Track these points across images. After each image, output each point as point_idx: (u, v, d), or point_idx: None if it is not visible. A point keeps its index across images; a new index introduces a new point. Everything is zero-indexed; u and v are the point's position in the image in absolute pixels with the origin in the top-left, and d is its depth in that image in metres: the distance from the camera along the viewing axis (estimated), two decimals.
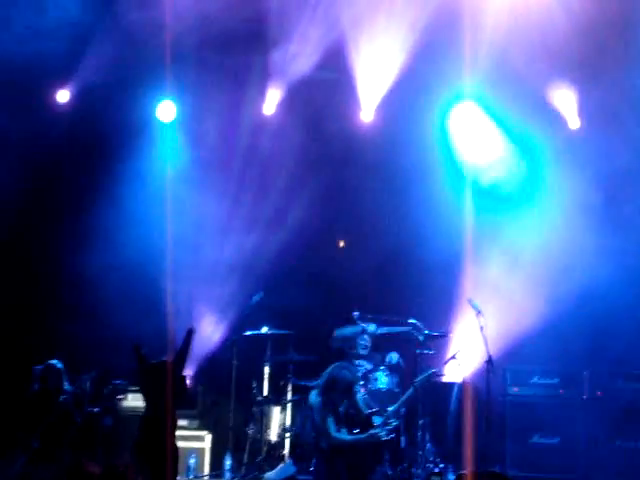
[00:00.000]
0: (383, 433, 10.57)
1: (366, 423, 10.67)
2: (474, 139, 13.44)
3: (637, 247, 12.91)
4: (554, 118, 13.36)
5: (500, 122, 13.31)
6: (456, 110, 13.35)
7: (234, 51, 12.65)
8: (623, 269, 12.87)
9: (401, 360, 12.25)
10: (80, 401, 11.04)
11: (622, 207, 12.81)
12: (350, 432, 10.55)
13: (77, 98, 13.20)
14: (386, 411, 10.80)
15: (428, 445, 11.83)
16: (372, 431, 10.54)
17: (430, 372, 11.16)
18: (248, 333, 12.27)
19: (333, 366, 10.87)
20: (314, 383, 11.49)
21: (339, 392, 10.58)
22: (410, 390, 10.97)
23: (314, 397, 10.75)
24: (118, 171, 13.01)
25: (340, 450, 10.46)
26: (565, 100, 13.25)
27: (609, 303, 12.84)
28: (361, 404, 10.87)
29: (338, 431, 10.52)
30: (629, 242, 12.80)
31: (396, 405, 10.87)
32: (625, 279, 12.96)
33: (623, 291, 12.98)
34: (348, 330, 12.38)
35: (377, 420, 10.68)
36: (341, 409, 10.59)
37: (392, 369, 12.16)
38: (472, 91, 13.02)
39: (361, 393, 11.17)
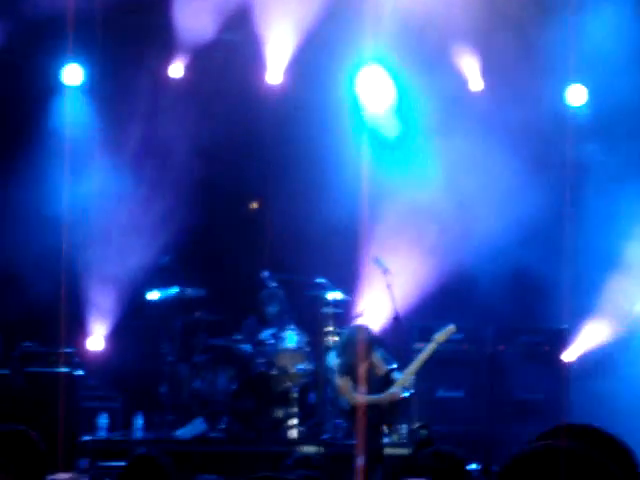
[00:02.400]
0: (399, 390, 10.49)
1: (386, 379, 10.62)
2: (380, 101, 13.64)
3: (540, 203, 13.19)
4: (456, 79, 13.63)
5: (402, 84, 13.51)
6: (363, 73, 13.51)
7: (139, 11, 12.61)
8: (528, 225, 13.17)
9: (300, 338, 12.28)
10: None
11: (520, 164, 13.10)
12: (369, 391, 10.54)
13: None
14: (405, 367, 10.68)
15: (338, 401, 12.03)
16: (391, 390, 10.48)
17: (450, 326, 10.79)
18: (158, 294, 12.35)
19: (349, 327, 10.97)
20: (242, 345, 11.69)
21: (356, 354, 10.53)
22: (430, 345, 10.68)
23: (332, 359, 10.84)
24: (24, 136, 12.91)
25: (360, 408, 10.43)
26: (467, 62, 13.51)
27: (515, 258, 13.16)
28: (381, 361, 10.77)
29: (356, 391, 10.53)
30: (530, 198, 13.09)
31: (416, 361, 10.63)
32: (530, 237, 13.28)
33: (528, 248, 13.30)
34: (260, 294, 12.49)
35: (397, 375, 10.58)
36: (360, 369, 10.56)
37: (300, 328, 12.31)
38: (377, 54, 13.18)
39: (380, 351, 10.95)
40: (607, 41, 12.81)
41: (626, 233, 13.25)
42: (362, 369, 10.59)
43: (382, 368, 10.70)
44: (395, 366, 10.74)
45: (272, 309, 12.44)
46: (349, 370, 10.56)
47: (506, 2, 12.57)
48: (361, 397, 10.49)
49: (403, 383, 10.55)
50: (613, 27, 12.82)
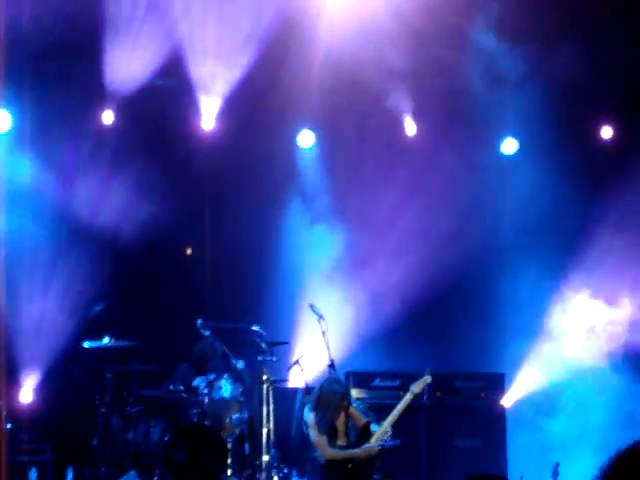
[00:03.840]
0: (375, 445, 10.50)
1: (364, 431, 10.62)
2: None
3: (474, 249, 13.29)
4: (391, 123, 13.69)
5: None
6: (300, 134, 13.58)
7: (71, 60, 12.48)
8: (462, 272, 13.23)
9: (245, 369, 12.19)
10: None
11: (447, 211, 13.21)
12: (348, 443, 10.57)
13: None
14: (381, 421, 10.70)
15: (272, 451, 11.90)
16: (366, 445, 10.48)
17: (425, 377, 10.88)
18: (89, 344, 12.12)
19: (322, 381, 10.86)
20: (175, 395, 11.52)
21: (332, 408, 10.54)
22: (407, 395, 10.77)
23: (307, 413, 10.71)
24: None
25: (336, 463, 10.48)
26: (401, 106, 13.57)
27: (449, 303, 13.22)
28: (360, 413, 10.77)
29: (333, 446, 10.51)
30: (464, 244, 13.16)
31: (394, 412, 10.67)
32: (465, 282, 13.34)
33: (463, 293, 13.37)
34: (195, 350, 12.33)
35: (375, 427, 10.58)
36: (336, 423, 10.58)
37: (236, 378, 12.16)
38: (309, 101, 13.18)
39: (357, 403, 11.02)
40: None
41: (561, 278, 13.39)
42: (339, 422, 10.58)
43: (361, 420, 10.69)
44: (370, 419, 10.73)
45: (212, 366, 12.28)
46: (324, 424, 10.52)
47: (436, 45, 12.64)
48: (337, 452, 10.47)
49: (381, 436, 10.55)
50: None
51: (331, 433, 10.57)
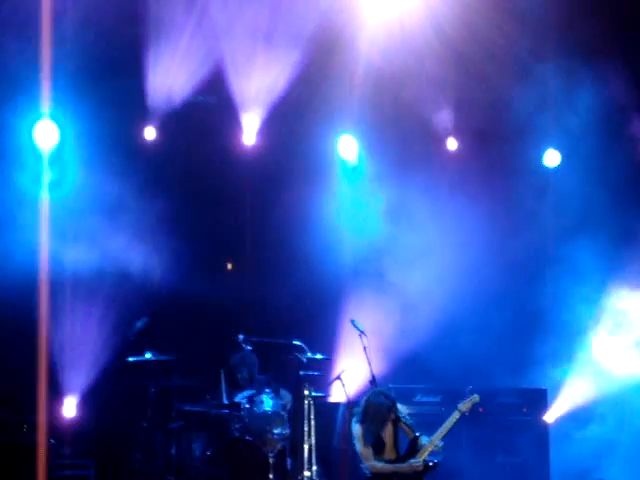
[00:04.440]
0: (420, 461, 10.47)
1: (413, 445, 10.59)
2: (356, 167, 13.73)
3: (517, 266, 13.29)
4: (433, 139, 13.69)
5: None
6: (341, 140, 13.58)
7: (114, 76, 12.57)
8: (501, 289, 13.25)
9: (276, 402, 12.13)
10: None
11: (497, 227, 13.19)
12: (395, 458, 10.55)
13: None
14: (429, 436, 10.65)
15: (314, 467, 11.89)
16: (412, 460, 10.46)
17: (474, 396, 10.87)
18: (132, 359, 12.17)
19: (369, 393, 10.82)
20: (218, 410, 11.54)
21: (378, 420, 10.55)
22: (454, 413, 10.77)
23: (354, 425, 10.69)
24: None
25: (382, 476, 10.45)
26: (442, 122, 13.56)
27: (488, 317, 13.20)
28: (410, 427, 10.71)
29: (379, 459, 10.49)
30: (506, 262, 13.15)
31: (441, 429, 10.66)
32: (505, 299, 13.33)
33: (504, 310, 13.34)
34: (232, 358, 12.36)
35: (424, 441, 10.57)
36: (383, 435, 10.57)
37: (277, 393, 12.17)
38: (351, 117, 13.22)
39: (406, 417, 10.85)
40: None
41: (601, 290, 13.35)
42: (386, 435, 10.55)
43: (410, 433, 10.65)
44: (420, 433, 10.66)
45: (242, 377, 12.30)
46: (370, 436, 10.50)
47: (481, 62, 12.63)
48: (382, 465, 10.46)
49: (427, 452, 10.52)
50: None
51: (378, 446, 10.54)
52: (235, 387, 12.23)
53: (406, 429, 10.69)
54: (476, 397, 10.80)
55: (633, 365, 13.19)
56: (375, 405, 10.59)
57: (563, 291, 13.33)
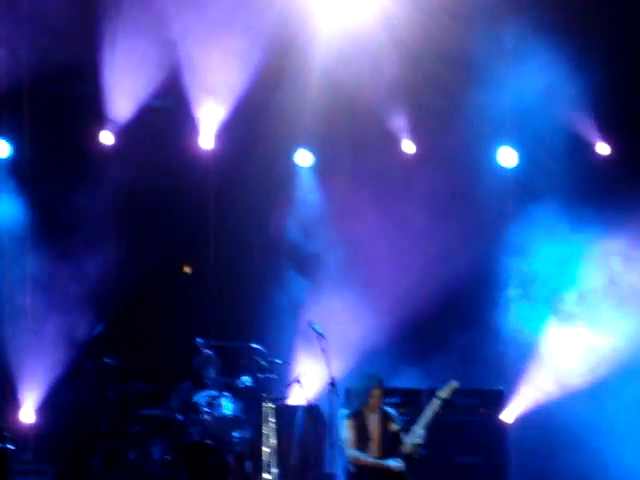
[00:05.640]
0: (402, 465, 10.32)
1: (395, 439, 10.45)
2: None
3: (471, 266, 13.37)
4: (389, 142, 13.77)
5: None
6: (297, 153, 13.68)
7: (68, 83, 12.56)
8: (459, 288, 13.32)
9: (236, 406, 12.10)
10: None
11: (447, 227, 13.26)
12: (381, 456, 10.40)
13: None
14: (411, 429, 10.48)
15: (273, 469, 11.91)
16: (392, 463, 10.30)
17: (452, 382, 10.69)
18: (90, 364, 12.13)
19: (360, 376, 10.78)
20: (177, 414, 11.53)
21: (361, 396, 10.46)
22: (434, 401, 10.58)
23: (340, 415, 10.60)
24: None
25: (365, 473, 10.32)
26: (399, 126, 13.66)
27: (445, 319, 13.29)
28: (393, 421, 10.57)
29: (363, 452, 10.36)
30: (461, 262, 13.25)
31: (422, 418, 10.49)
32: (463, 299, 13.42)
33: (461, 306, 13.43)
34: (196, 359, 12.34)
35: (405, 436, 10.42)
36: (369, 427, 10.42)
37: (238, 394, 12.16)
38: (307, 121, 13.26)
39: (391, 410, 10.72)
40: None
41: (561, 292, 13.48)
42: (372, 426, 10.46)
43: (394, 426, 10.56)
44: (400, 427, 10.56)
45: (208, 375, 12.27)
46: (355, 418, 10.40)
47: (433, 63, 12.71)
48: (361, 456, 10.33)
49: (411, 444, 10.37)
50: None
51: (363, 434, 10.41)
52: (198, 387, 12.21)
53: (393, 427, 10.56)
54: (454, 383, 10.66)
55: (585, 364, 13.33)
56: (356, 384, 10.59)
57: (524, 293, 13.42)
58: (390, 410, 10.72)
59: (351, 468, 10.47)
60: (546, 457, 13.07)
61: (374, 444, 10.50)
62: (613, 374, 13.11)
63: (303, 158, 13.85)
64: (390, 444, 10.47)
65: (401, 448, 10.41)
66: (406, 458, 10.39)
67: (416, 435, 10.41)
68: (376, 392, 10.54)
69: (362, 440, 10.45)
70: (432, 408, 10.55)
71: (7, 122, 12.43)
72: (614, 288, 13.32)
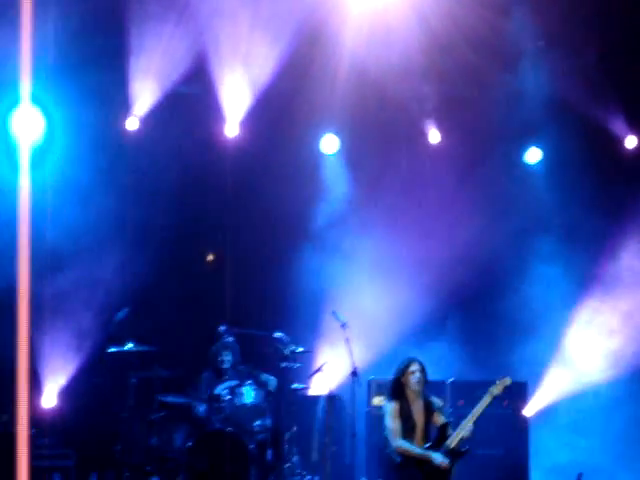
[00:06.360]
0: (447, 462, 10.15)
1: (442, 433, 10.33)
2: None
3: (498, 257, 13.33)
4: (416, 133, 13.72)
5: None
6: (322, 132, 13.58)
7: (97, 67, 12.52)
8: (485, 280, 13.29)
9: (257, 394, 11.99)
10: None
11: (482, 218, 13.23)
12: (426, 440, 10.29)
13: None
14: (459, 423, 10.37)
15: (294, 458, 11.90)
16: (440, 458, 10.13)
17: (505, 378, 10.53)
18: (113, 350, 12.13)
19: (403, 359, 10.60)
20: (198, 402, 11.50)
21: (401, 374, 10.38)
22: (486, 397, 10.44)
23: (385, 405, 10.48)
24: None
25: (411, 464, 10.18)
26: (425, 114, 13.61)
27: (470, 311, 13.25)
28: (439, 413, 10.48)
29: (409, 441, 10.23)
30: (487, 253, 13.20)
31: (473, 412, 10.38)
32: (487, 291, 13.36)
33: (484, 302, 13.37)
34: (214, 346, 12.32)
35: (452, 431, 10.31)
36: (414, 414, 10.31)
37: (259, 384, 12.13)
38: (334, 110, 13.20)
39: (436, 401, 10.61)
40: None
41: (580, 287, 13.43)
42: (417, 415, 10.33)
43: (440, 418, 10.44)
44: (448, 420, 10.46)
45: (226, 360, 12.25)
46: (400, 404, 10.26)
47: (467, 56, 12.63)
48: (411, 448, 10.16)
49: (458, 437, 10.25)
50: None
51: (409, 423, 10.27)
52: (218, 376, 12.19)
53: (437, 418, 10.44)
54: (507, 379, 10.51)
55: (605, 362, 13.28)
56: (397, 369, 10.45)
57: (549, 287, 13.37)
58: (435, 400, 10.60)
59: (396, 458, 10.29)
60: (567, 452, 13.01)
61: (418, 434, 10.37)
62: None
63: (329, 145, 13.77)
64: (437, 437, 10.35)
65: (448, 442, 10.27)
66: (452, 452, 10.25)
67: (465, 429, 10.28)
68: (413, 366, 10.43)
69: (407, 429, 10.31)
70: (483, 403, 10.41)
71: (38, 102, 12.32)
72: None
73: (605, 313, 13.26)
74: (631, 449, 12.97)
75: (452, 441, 10.25)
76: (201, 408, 11.84)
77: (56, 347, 12.57)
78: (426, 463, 10.19)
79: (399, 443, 10.24)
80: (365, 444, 12.53)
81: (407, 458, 10.23)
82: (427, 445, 10.29)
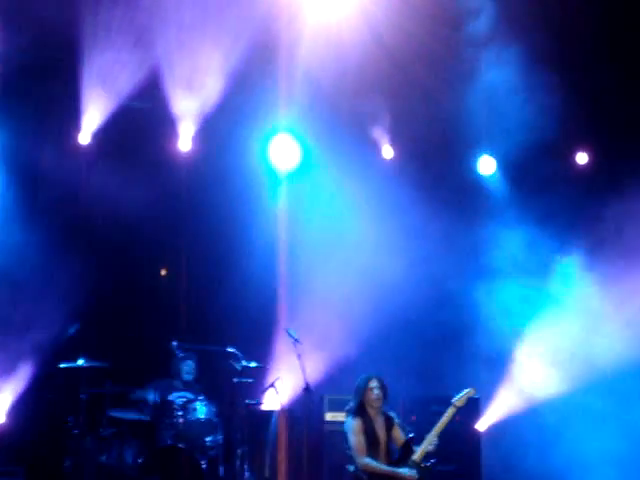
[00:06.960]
0: (415, 474, 10.11)
1: (406, 449, 10.27)
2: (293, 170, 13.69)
3: (450, 273, 13.37)
4: (369, 147, 13.75)
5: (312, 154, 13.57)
6: (275, 140, 13.53)
7: (47, 80, 12.43)
8: (436, 299, 13.33)
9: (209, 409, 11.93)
10: None
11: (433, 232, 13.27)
12: (389, 463, 10.23)
13: None
14: (423, 438, 10.31)
15: (247, 474, 11.84)
16: (407, 472, 10.10)
17: (469, 389, 10.57)
18: (64, 365, 12.01)
19: (361, 377, 10.60)
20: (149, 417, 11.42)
21: (361, 391, 10.37)
22: (450, 409, 10.42)
23: (346, 422, 10.40)
24: None
25: (379, 479, 10.11)
26: (379, 130, 13.64)
27: (422, 328, 13.26)
28: (401, 430, 10.46)
29: (374, 458, 10.18)
30: (440, 269, 13.23)
31: (437, 425, 10.33)
32: (439, 308, 13.41)
33: (436, 318, 13.41)
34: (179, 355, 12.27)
35: (417, 445, 10.25)
36: (378, 431, 10.28)
37: (210, 399, 12.08)
38: (287, 123, 13.22)
39: (398, 418, 10.64)
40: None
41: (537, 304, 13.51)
42: (379, 431, 10.31)
43: (402, 437, 10.39)
44: (412, 435, 10.40)
45: (190, 371, 12.22)
46: (361, 418, 10.23)
47: (415, 69, 12.70)
48: (377, 465, 10.13)
49: (423, 451, 10.20)
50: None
51: (373, 440, 10.24)
52: (173, 386, 12.13)
53: (397, 433, 10.43)
54: (471, 391, 10.53)
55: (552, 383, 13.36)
56: (358, 383, 10.44)
57: (499, 303, 13.43)
58: (393, 414, 10.59)
59: (363, 476, 10.21)
60: (518, 465, 13.04)
61: (382, 449, 10.35)
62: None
63: (280, 160, 13.72)
64: (402, 452, 10.31)
65: (414, 457, 10.22)
66: (418, 467, 10.20)
67: (429, 443, 10.25)
68: (372, 382, 10.43)
69: (371, 445, 10.28)
70: (447, 416, 10.39)
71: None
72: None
73: (552, 339, 13.37)
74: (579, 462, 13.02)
75: (418, 456, 10.22)
76: (152, 419, 11.76)
77: (4, 363, 12.43)
78: (392, 479, 10.15)
79: (365, 461, 10.20)
80: (320, 460, 12.49)
81: (374, 476, 10.18)
82: (393, 459, 10.28)
